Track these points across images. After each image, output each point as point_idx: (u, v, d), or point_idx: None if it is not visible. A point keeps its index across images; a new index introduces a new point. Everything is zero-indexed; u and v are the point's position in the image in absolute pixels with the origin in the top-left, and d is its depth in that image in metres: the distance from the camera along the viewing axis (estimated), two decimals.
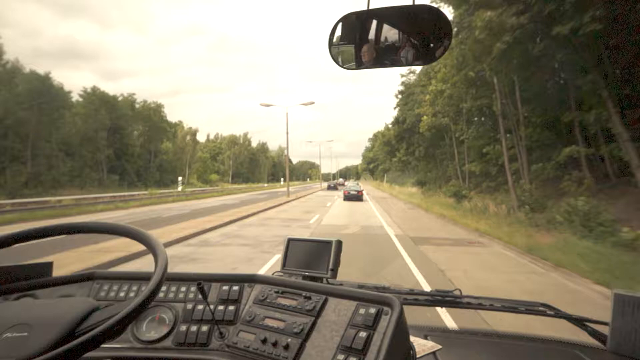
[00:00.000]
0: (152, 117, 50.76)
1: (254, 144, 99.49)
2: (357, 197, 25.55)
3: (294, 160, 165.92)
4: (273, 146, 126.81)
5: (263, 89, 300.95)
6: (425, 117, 22.45)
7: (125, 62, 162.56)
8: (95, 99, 40.45)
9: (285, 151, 28.35)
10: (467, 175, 21.76)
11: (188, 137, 63.68)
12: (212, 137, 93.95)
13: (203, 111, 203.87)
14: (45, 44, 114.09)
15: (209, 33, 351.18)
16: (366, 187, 64.79)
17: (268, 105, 26.12)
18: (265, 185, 73.79)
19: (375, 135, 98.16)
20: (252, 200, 25.91)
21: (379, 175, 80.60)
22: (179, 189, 33.56)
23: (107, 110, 40.94)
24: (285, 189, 60.53)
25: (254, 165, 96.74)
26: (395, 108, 36.79)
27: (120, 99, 45.44)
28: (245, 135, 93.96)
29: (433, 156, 32.71)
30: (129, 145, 44.65)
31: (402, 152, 48.38)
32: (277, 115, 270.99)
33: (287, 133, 26.86)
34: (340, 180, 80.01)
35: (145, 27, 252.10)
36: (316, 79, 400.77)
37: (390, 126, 56.22)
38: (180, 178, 34.74)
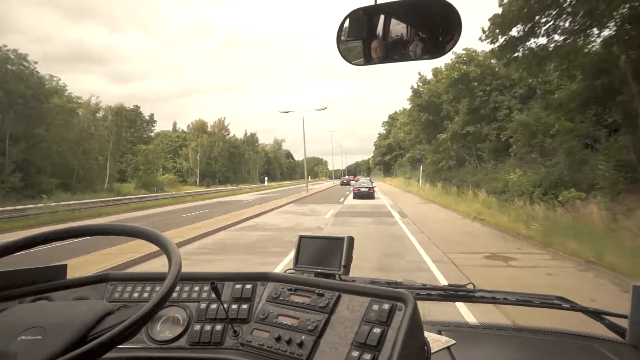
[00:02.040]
0: (8, 80, 29.21)
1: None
2: (368, 194, 24.91)
3: (299, 157, 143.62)
4: (284, 145, 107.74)
5: (274, 88, 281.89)
6: None
7: (135, 65, 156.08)
8: None
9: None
10: None
11: (110, 118, 41.78)
12: (183, 127, 71.66)
13: (215, 111, 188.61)
14: (56, 48, 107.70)
15: (217, 32, 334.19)
16: (379, 185, 41.74)
17: None
18: (229, 188, 51.36)
19: (391, 118, 74.52)
20: None
21: (399, 170, 56.98)
22: None
23: None
24: (247, 196, 32.88)
25: (236, 162, 74.09)
26: None
27: None
28: (221, 121, 71.16)
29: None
30: None
31: (459, 117, 24.99)
32: (287, 114, 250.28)
33: None
34: (356, 177, 70.68)
35: (154, 29, 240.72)
36: (327, 75, 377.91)
37: (429, 77, 32.74)
38: None
